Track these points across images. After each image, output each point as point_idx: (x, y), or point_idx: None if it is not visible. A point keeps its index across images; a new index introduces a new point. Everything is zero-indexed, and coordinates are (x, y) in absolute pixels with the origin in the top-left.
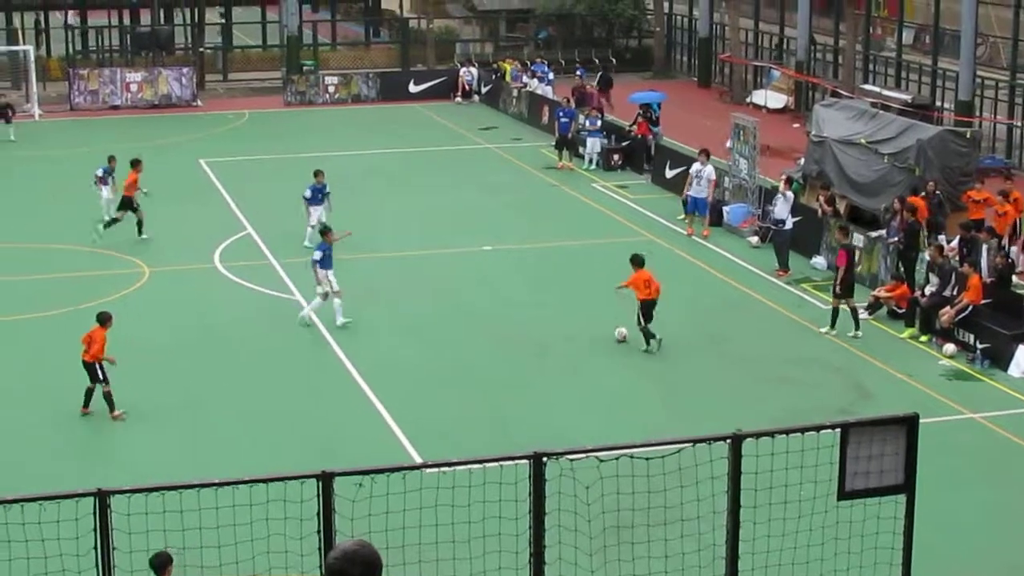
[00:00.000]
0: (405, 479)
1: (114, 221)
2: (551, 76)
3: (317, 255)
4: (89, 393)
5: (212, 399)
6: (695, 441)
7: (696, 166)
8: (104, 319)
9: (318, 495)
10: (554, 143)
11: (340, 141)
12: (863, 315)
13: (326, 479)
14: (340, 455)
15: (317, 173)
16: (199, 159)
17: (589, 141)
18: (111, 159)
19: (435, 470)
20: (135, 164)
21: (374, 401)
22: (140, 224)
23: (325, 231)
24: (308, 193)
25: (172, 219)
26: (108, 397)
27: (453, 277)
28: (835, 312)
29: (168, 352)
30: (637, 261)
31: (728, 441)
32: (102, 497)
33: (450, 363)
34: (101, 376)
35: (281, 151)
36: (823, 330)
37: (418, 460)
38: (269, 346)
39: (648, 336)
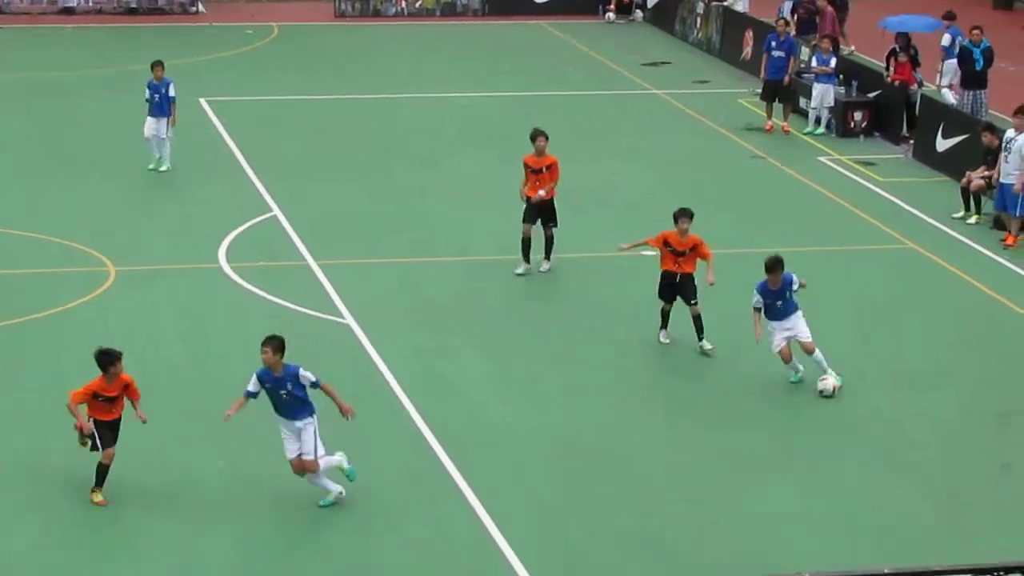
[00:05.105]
0: None
1: None
2: None
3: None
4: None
5: (197, 478)
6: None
7: (1009, 134)
8: (104, 361)
9: None
10: (760, 91)
11: (420, 77)
12: None
13: None
14: None
15: (155, 65)
16: (198, 97)
17: (817, 90)
18: None
19: None
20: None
21: (459, 483)
22: None
23: None
24: (148, 94)
25: (154, 191)
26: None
27: (595, 299)
28: None
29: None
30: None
31: None
32: None
33: (576, 433)
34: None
35: (327, 90)
36: None
37: None
38: None
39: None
